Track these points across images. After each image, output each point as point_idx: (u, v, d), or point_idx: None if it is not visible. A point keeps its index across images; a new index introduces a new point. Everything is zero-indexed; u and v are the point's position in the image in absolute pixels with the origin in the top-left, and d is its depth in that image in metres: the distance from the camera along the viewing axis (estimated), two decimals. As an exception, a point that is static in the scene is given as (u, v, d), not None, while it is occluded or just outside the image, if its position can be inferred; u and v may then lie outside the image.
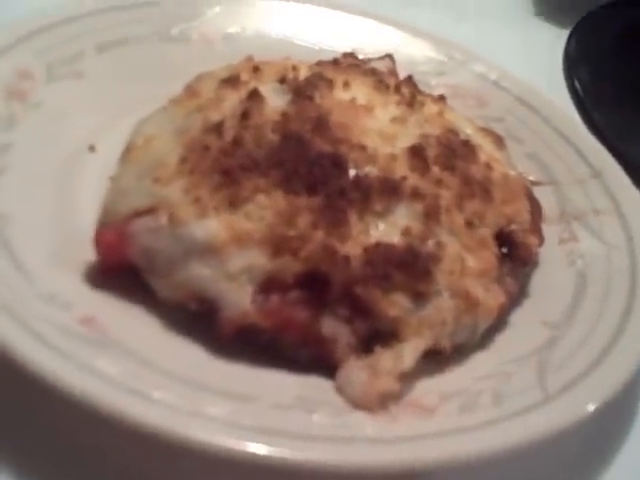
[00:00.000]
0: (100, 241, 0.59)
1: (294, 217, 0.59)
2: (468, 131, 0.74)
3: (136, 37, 0.81)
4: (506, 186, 0.69)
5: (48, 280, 0.58)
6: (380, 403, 0.55)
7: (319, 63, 0.75)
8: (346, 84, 0.71)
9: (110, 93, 0.76)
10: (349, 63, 0.78)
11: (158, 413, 0.49)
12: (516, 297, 0.66)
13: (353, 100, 0.69)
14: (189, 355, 0.57)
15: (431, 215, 0.62)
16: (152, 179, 0.62)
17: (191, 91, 0.71)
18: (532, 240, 0.67)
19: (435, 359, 0.59)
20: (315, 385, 0.57)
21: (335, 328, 0.57)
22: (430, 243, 0.61)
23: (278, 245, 0.58)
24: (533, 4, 1.14)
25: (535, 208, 0.71)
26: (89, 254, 0.60)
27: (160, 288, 0.59)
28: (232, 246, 0.58)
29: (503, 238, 0.66)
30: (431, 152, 0.66)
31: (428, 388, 0.58)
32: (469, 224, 0.63)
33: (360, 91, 0.71)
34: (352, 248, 0.58)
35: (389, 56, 0.82)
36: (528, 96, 0.84)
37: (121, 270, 0.59)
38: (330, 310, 0.58)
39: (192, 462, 0.52)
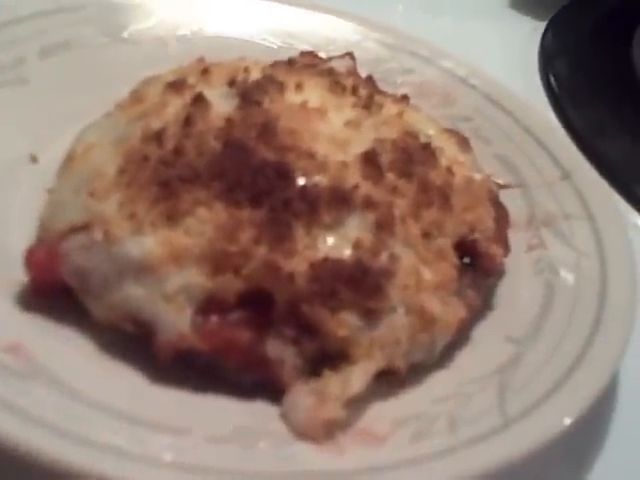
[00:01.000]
0: (30, 260, 0.56)
1: (235, 232, 0.55)
2: (430, 132, 0.71)
3: (84, 39, 0.77)
4: (469, 191, 0.65)
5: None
6: (326, 432, 0.51)
7: (274, 64, 0.72)
8: (298, 86, 0.67)
9: (55, 99, 0.72)
10: (306, 63, 0.74)
11: (81, 454, 0.45)
12: (479, 310, 0.62)
13: (304, 103, 0.65)
14: (124, 382, 0.53)
15: (384, 226, 0.58)
16: (88, 193, 0.58)
17: (136, 96, 0.68)
18: (495, 249, 0.63)
19: (389, 380, 0.56)
20: (259, 412, 0.53)
21: (280, 350, 0.54)
22: (383, 256, 0.57)
23: (218, 262, 0.54)
24: (509, -5, 1.11)
25: (501, 214, 0.67)
26: (20, 274, 0.56)
27: (94, 309, 0.55)
28: (169, 264, 0.54)
29: (464, 248, 0.62)
30: (386, 158, 0.62)
31: (380, 413, 0.54)
32: (426, 234, 0.59)
33: (313, 93, 0.67)
34: (297, 264, 0.54)
35: (349, 54, 0.78)
36: (497, 94, 0.80)
37: (53, 291, 0.56)
38: (275, 331, 0.54)
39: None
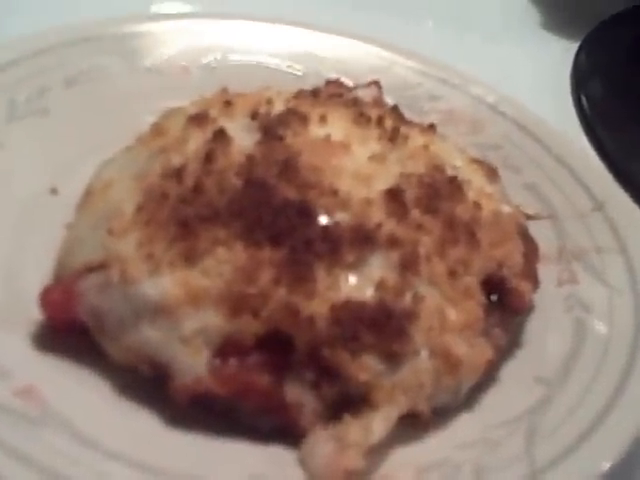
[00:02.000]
0: (46, 299, 0.55)
1: (255, 272, 0.54)
2: (458, 163, 0.69)
3: (107, 69, 0.77)
4: (496, 226, 0.63)
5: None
6: (346, 480, 0.50)
7: (297, 94, 0.70)
8: (322, 118, 0.66)
9: (77, 130, 0.71)
10: (331, 93, 0.73)
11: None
12: (506, 350, 0.60)
13: (328, 137, 0.63)
14: (139, 426, 0.52)
15: (409, 265, 0.56)
16: (106, 230, 0.57)
17: (157, 129, 0.67)
18: (524, 286, 0.61)
19: (412, 423, 0.54)
20: (276, 458, 0.52)
21: (300, 394, 0.52)
22: (407, 296, 0.55)
23: (237, 304, 0.53)
24: (541, 16, 1.08)
25: (530, 248, 0.65)
26: (37, 313, 0.56)
27: (110, 350, 0.54)
28: (186, 306, 0.53)
29: (492, 285, 0.60)
30: (411, 194, 0.61)
31: (403, 459, 0.52)
32: (452, 273, 0.58)
33: (337, 126, 0.66)
34: (318, 306, 0.53)
35: (375, 83, 0.77)
36: (527, 121, 0.78)
37: (70, 330, 0.55)
38: (294, 374, 0.53)
39: None
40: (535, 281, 0.63)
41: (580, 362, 0.59)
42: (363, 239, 0.56)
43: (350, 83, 0.78)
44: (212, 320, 0.53)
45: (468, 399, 0.57)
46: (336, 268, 0.55)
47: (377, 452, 0.52)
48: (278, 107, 0.67)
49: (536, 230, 0.69)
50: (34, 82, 0.73)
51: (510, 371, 0.59)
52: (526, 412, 0.56)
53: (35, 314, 0.55)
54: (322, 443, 0.51)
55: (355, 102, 0.71)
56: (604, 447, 0.52)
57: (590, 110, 0.93)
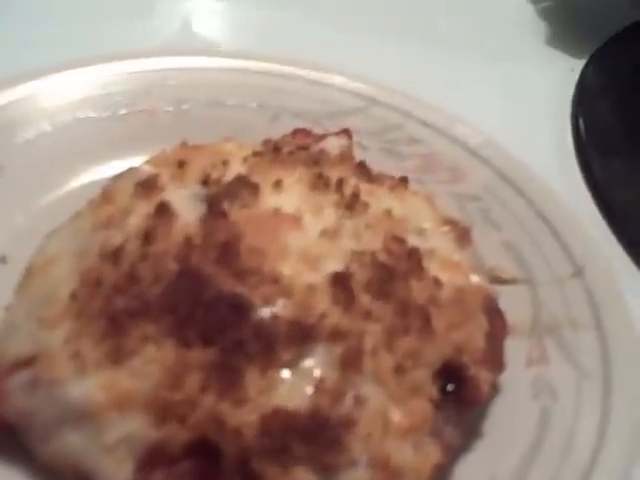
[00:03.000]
0: (-26, 400, 0.53)
1: (182, 376, 0.51)
2: (425, 226, 0.65)
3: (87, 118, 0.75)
4: (458, 305, 0.59)
5: None
6: None
7: (257, 153, 0.67)
8: (277, 184, 0.62)
9: (33, 189, 0.69)
10: (296, 146, 0.69)
11: None
12: (460, 446, 0.56)
13: (278, 210, 0.60)
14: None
15: (351, 361, 0.53)
16: (38, 319, 0.55)
17: (106, 195, 0.64)
18: (484, 375, 0.57)
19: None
20: None
21: (229, 507, 0.50)
22: (347, 400, 0.52)
23: (163, 410, 0.50)
24: (546, 31, 1.02)
25: (496, 326, 0.61)
26: (-33, 409, 0.54)
27: (38, 453, 0.52)
28: (111, 411, 0.51)
29: (448, 373, 0.57)
30: (362, 276, 0.57)
31: None
32: (399, 368, 0.54)
33: (291, 193, 0.62)
34: (246, 415, 0.50)
35: (346, 131, 0.73)
36: (510, 169, 0.73)
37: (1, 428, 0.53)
38: (224, 485, 0.50)
39: None
40: (499, 365, 0.59)
41: (539, 463, 0.55)
42: (302, 335, 0.53)
43: (320, 130, 0.74)
44: (137, 427, 0.50)
45: (414, 504, 0.53)
46: (269, 370, 0.52)
47: None
48: (233, 170, 0.64)
49: (510, 296, 0.65)
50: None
51: (465, 469, 0.56)
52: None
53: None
54: None
55: (318, 159, 0.67)
56: None
57: (585, 132, 0.87)
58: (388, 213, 0.63)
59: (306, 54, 0.83)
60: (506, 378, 0.60)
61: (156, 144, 0.70)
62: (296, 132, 0.72)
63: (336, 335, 0.54)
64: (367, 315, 0.55)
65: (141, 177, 0.64)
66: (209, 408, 0.50)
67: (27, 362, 0.54)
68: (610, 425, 0.56)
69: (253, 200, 0.61)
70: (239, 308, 0.53)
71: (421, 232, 0.64)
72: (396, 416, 0.53)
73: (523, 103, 0.92)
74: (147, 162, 0.67)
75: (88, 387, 0.51)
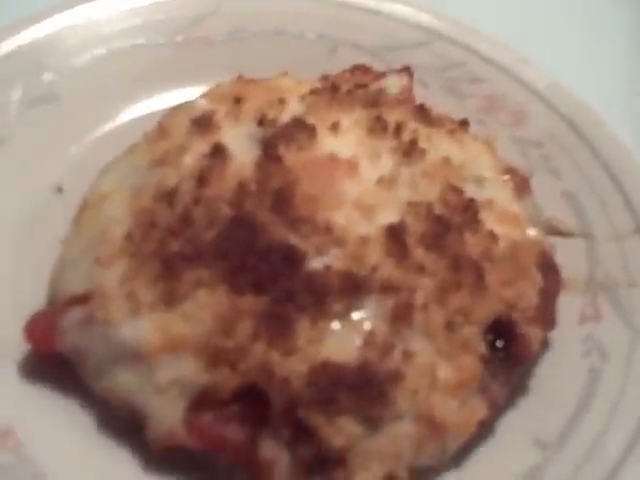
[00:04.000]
0: (31, 332, 0.54)
1: (234, 323, 0.51)
2: (484, 174, 0.63)
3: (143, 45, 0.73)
4: (512, 260, 0.58)
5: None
6: None
7: (315, 90, 0.65)
8: (334, 127, 0.61)
9: (88, 118, 0.69)
10: (354, 84, 0.67)
11: None
12: (506, 402, 0.56)
13: (334, 155, 0.59)
14: (115, 471, 0.52)
15: (402, 315, 0.53)
16: (94, 257, 0.56)
17: (162, 130, 0.63)
18: (534, 334, 0.56)
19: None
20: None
21: (274, 452, 0.51)
22: (395, 354, 0.52)
23: (214, 356, 0.51)
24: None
25: (551, 282, 0.60)
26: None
27: (92, 386, 0.54)
28: (163, 353, 0.52)
29: (499, 329, 0.56)
30: (416, 228, 0.56)
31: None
32: (449, 324, 0.54)
33: (348, 137, 0.61)
34: (296, 364, 0.50)
35: (407, 70, 0.70)
36: (577, 116, 0.71)
37: (55, 360, 0.55)
38: (270, 431, 0.51)
39: None
40: (550, 322, 0.58)
41: (585, 424, 0.55)
42: (353, 287, 0.53)
43: (380, 64, 0.72)
44: (188, 370, 0.51)
45: (457, 456, 0.54)
46: (320, 320, 0.52)
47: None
48: (289, 109, 0.63)
49: (566, 250, 0.63)
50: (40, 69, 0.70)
51: (508, 427, 0.56)
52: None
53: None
54: (291, 506, 0.50)
55: (377, 99, 0.65)
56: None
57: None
58: (446, 160, 0.61)
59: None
60: (556, 334, 0.59)
61: (212, 74, 0.69)
62: (355, 68, 0.70)
63: (387, 288, 0.53)
64: (420, 269, 0.55)
65: (197, 113, 0.63)
66: (259, 356, 0.51)
67: (82, 299, 0.55)
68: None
69: (309, 143, 0.60)
70: (291, 259, 0.53)
71: (479, 181, 0.62)
72: (444, 372, 0.53)
73: (597, 44, 0.87)
74: (203, 96, 0.66)
75: (141, 328, 0.52)
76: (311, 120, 0.61)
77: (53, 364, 0.55)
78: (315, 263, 0.53)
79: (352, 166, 0.59)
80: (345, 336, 0.52)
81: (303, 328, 0.51)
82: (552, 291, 0.60)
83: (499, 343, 0.56)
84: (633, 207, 0.65)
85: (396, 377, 0.51)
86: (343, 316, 0.52)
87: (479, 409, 0.54)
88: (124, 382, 0.52)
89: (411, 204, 0.57)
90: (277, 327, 0.51)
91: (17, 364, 0.55)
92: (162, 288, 0.53)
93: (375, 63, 0.73)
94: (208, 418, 0.51)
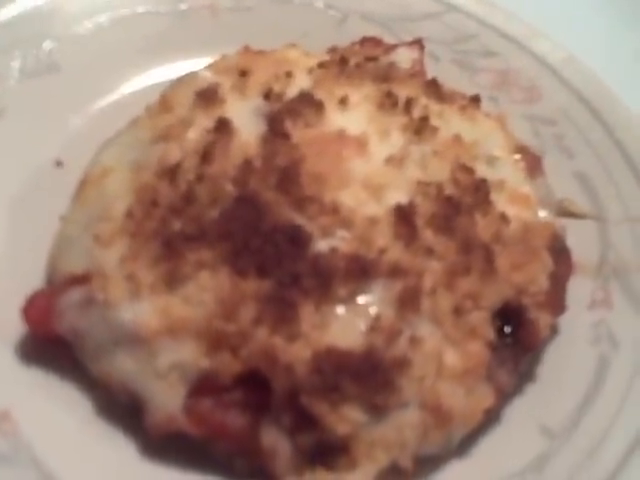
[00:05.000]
0: (28, 313, 0.53)
1: (237, 306, 0.50)
2: (496, 153, 0.61)
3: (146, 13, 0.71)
4: (523, 243, 0.57)
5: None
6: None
7: (323, 63, 0.63)
8: (342, 102, 0.59)
9: (89, 89, 0.67)
10: (364, 56, 0.65)
11: None
12: (513, 389, 0.55)
13: (342, 132, 0.57)
14: (111, 457, 0.51)
15: (409, 300, 0.51)
16: (94, 235, 0.54)
17: (165, 102, 0.61)
18: (543, 319, 0.55)
19: (395, 475, 0.51)
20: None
21: (275, 439, 0.50)
22: (402, 340, 0.50)
23: (216, 340, 0.50)
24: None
25: (562, 265, 0.58)
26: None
27: (90, 368, 0.53)
28: (164, 337, 0.50)
29: (508, 314, 0.55)
30: (426, 209, 0.54)
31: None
32: (457, 309, 0.52)
33: (357, 113, 0.59)
34: (300, 350, 0.49)
35: (419, 42, 0.68)
36: (592, 92, 0.69)
37: (53, 341, 0.53)
38: (271, 417, 0.50)
39: None
40: (560, 307, 0.57)
41: (593, 413, 0.54)
42: (360, 270, 0.51)
43: (390, 36, 0.70)
44: (189, 354, 0.50)
45: (463, 444, 0.53)
46: (325, 305, 0.50)
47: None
48: (297, 83, 0.61)
49: (577, 232, 0.62)
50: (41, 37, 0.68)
51: (514, 415, 0.55)
52: (525, 468, 0.52)
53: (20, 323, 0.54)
54: (292, 495, 0.49)
55: (387, 74, 0.63)
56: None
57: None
58: (457, 138, 0.60)
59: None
60: (565, 319, 0.58)
61: (217, 45, 0.67)
62: (365, 41, 0.68)
63: (395, 272, 0.52)
64: (428, 252, 0.53)
65: (201, 85, 0.61)
66: (262, 341, 0.49)
67: (81, 279, 0.53)
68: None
69: (317, 119, 0.58)
70: (297, 240, 0.51)
71: (491, 160, 0.61)
72: (451, 358, 0.51)
73: (615, 18, 0.83)
74: (208, 68, 0.64)
75: (141, 311, 0.51)
76: (319, 95, 0.59)
77: (51, 346, 0.53)
78: (321, 245, 0.52)
79: (361, 143, 0.57)
80: (350, 321, 0.50)
81: (307, 312, 0.50)
82: (563, 275, 0.59)
83: (507, 329, 0.55)
84: (648, 190, 0.64)
85: (402, 364, 0.50)
86: (349, 300, 0.51)
87: (486, 397, 0.52)
88: (123, 366, 0.51)
89: (421, 184, 0.56)
90: (281, 311, 0.50)
91: (14, 346, 0.54)
92: (163, 269, 0.52)
93: (385, 35, 0.71)
94: (208, 404, 0.50)
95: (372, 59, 0.65)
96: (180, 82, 0.63)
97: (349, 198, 0.54)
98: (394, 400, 0.50)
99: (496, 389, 0.53)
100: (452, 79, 0.67)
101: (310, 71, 0.62)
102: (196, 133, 0.57)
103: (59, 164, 0.64)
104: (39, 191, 0.62)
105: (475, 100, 0.65)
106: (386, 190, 0.55)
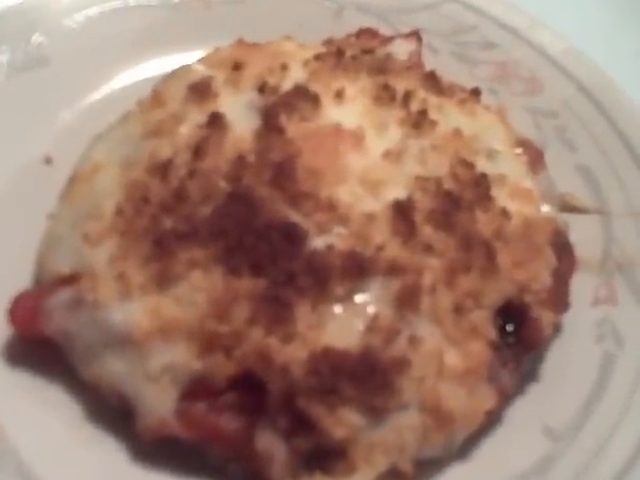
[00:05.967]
0: (15, 314, 0.52)
1: (230, 306, 0.48)
2: (497, 147, 0.60)
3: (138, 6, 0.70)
4: (525, 239, 0.55)
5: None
6: None
7: (319, 56, 0.61)
8: (338, 95, 0.57)
9: (79, 83, 0.65)
10: (360, 49, 0.64)
11: None
12: (515, 389, 0.53)
13: (339, 126, 0.55)
14: (101, 460, 0.50)
15: (408, 299, 0.50)
16: (82, 234, 0.53)
17: (157, 97, 0.60)
18: (546, 317, 0.53)
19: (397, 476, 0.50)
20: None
21: (271, 443, 0.48)
22: (401, 340, 0.49)
23: (208, 341, 0.48)
24: None
25: (565, 262, 0.57)
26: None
27: (80, 371, 0.51)
28: (155, 339, 0.49)
29: (510, 312, 0.54)
30: (425, 204, 0.53)
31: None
32: (458, 308, 0.51)
33: (354, 106, 0.57)
34: (296, 351, 0.48)
35: (416, 34, 0.67)
36: (593, 83, 0.67)
37: (41, 343, 0.52)
38: (266, 421, 0.48)
39: None
40: (563, 304, 0.56)
41: (599, 413, 0.52)
42: (357, 268, 0.50)
43: (386, 28, 0.68)
44: (181, 356, 0.49)
45: (464, 446, 0.51)
46: (321, 304, 0.49)
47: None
48: (292, 76, 0.59)
49: (580, 227, 0.60)
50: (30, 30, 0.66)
51: (517, 415, 0.53)
52: (528, 471, 0.50)
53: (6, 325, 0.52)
54: (289, 501, 0.48)
55: (384, 66, 0.61)
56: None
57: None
58: (457, 132, 0.58)
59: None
60: (568, 317, 0.56)
61: (211, 38, 0.65)
62: (361, 32, 0.67)
63: (393, 269, 0.50)
64: (428, 249, 0.52)
65: (194, 79, 0.59)
66: (256, 342, 0.48)
67: (70, 279, 0.52)
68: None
69: (312, 113, 0.56)
70: (292, 238, 0.50)
71: (491, 154, 0.59)
72: (451, 359, 0.50)
73: (616, 8, 0.82)
74: (200, 61, 0.62)
75: (132, 312, 0.49)
76: (314, 88, 0.57)
77: (38, 348, 0.52)
78: (317, 242, 0.50)
79: (357, 138, 0.55)
80: (348, 321, 0.49)
81: (303, 312, 0.49)
82: (566, 271, 0.57)
83: (509, 327, 0.54)
84: (653, 183, 0.62)
85: (401, 364, 0.48)
86: (346, 299, 0.49)
87: (488, 398, 0.51)
88: (113, 368, 0.49)
89: (419, 179, 0.54)
90: (276, 311, 0.48)
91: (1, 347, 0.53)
92: (154, 269, 0.50)
93: (382, 26, 0.69)
94: (201, 407, 0.49)
95: (368, 51, 0.64)
96: (172, 76, 0.62)
97: (346, 194, 0.52)
98: (393, 402, 0.48)
99: (498, 389, 0.52)
100: (451, 72, 0.66)
101: (305, 64, 0.61)
102: (188, 128, 0.56)
103: (48, 160, 0.62)
104: (27, 188, 0.60)
105: (475, 93, 0.63)
106: (384, 185, 0.53)
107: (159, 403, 0.48)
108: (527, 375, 0.55)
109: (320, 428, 0.48)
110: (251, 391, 0.48)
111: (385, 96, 0.58)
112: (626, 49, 0.77)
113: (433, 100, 0.60)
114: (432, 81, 0.62)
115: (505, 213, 0.55)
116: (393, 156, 0.55)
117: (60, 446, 0.49)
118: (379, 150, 0.55)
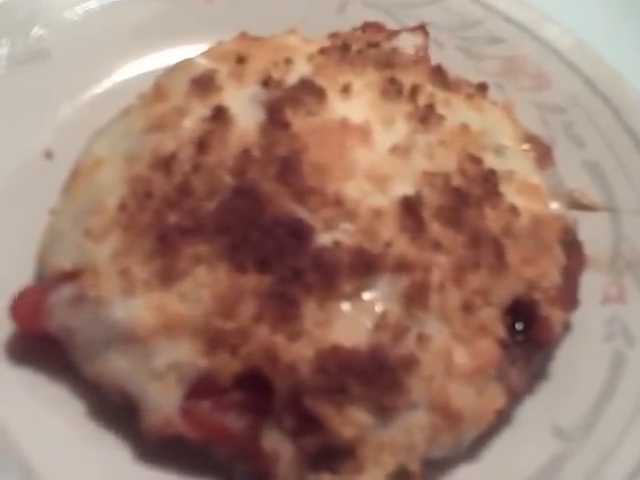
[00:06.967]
0: (17, 311, 0.51)
1: (235, 303, 0.48)
2: (505, 143, 0.59)
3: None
4: (534, 236, 0.54)
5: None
6: None
7: (324, 49, 0.60)
8: (345, 89, 0.57)
9: (80, 77, 0.64)
10: (366, 42, 0.63)
11: None
12: (525, 388, 0.53)
13: (345, 120, 0.54)
14: (104, 460, 0.49)
15: (417, 296, 0.49)
16: (84, 230, 0.52)
17: (159, 90, 0.59)
18: (556, 315, 0.53)
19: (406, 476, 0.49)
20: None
21: (277, 442, 0.47)
22: (409, 338, 0.48)
23: (214, 338, 0.48)
24: None
25: (574, 259, 0.56)
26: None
27: (82, 368, 0.50)
28: (159, 336, 0.48)
29: (519, 310, 0.53)
30: (433, 200, 0.52)
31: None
32: (467, 306, 0.50)
33: (360, 100, 0.56)
34: (302, 349, 0.47)
35: (422, 28, 0.66)
36: (601, 78, 0.66)
37: (43, 339, 0.51)
38: (273, 420, 0.47)
39: None
40: (573, 303, 0.55)
41: (609, 414, 0.51)
42: (365, 265, 0.49)
43: (392, 23, 0.67)
44: (186, 354, 0.48)
45: (473, 446, 0.50)
46: (328, 301, 0.48)
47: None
48: (297, 70, 0.58)
49: (589, 224, 0.59)
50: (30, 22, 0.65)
51: (527, 415, 0.52)
52: (538, 472, 0.49)
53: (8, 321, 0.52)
54: (296, 501, 0.47)
55: (390, 60, 0.60)
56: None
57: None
58: (465, 128, 0.57)
59: None
60: (578, 315, 0.56)
61: (213, 31, 0.64)
62: (367, 26, 0.66)
63: (402, 266, 0.50)
64: (436, 245, 0.51)
65: (197, 72, 0.58)
66: (262, 340, 0.47)
67: (72, 275, 0.51)
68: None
69: (318, 107, 0.55)
70: (298, 234, 0.49)
71: (499, 150, 0.58)
72: (460, 357, 0.49)
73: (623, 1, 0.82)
74: (203, 54, 0.61)
75: (135, 308, 0.48)
76: (320, 82, 0.56)
77: (40, 345, 0.51)
78: (324, 239, 0.49)
79: (364, 132, 0.54)
80: (355, 318, 0.48)
81: (310, 310, 0.48)
82: (575, 269, 0.56)
83: (519, 326, 0.53)
84: (662, 179, 0.61)
85: (410, 363, 0.48)
86: (353, 297, 0.49)
87: (497, 397, 0.50)
88: (117, 366, 0.48)
89: (427, 174, 0.53)
90: (282, 308, 0.47)
91: (1, 344, 0.52)
92: (158, 264, 0.49)
93: (387, 21, 0.68)
94: (207, 406, 0.48)
95: (374, 45, 0.63)
96: (175, 69, 0.61)
97: (353, 189, 0.51)
98: (402, 401, 0.47)
99: (507, 389, 0.51)
100: (457, 66, 0.65)
101: (310, 58, 0.60)
102: (192, 122, 0.55)
103: (49, 155, 0.61)
104: (28, 183, 0.59)
105: (482, 88, 0.62)
106: (391, 181, 0.52)
107: (163, 401, 0.47)
108: (536, 374, 0.54)
109: (328, 427, 0.47)
110: (257, 389, 0.47)
111: (392, 90, 0.58)
112: (626, 43, 0.77)
113: (440, 95, 0.59)
114: (439, 75, 0.61)
115: (514, 209, 0.54)
116: (400, 151, 0.54)
117: (62, 443, 0.49)
118: (386, 145, 0.54)
